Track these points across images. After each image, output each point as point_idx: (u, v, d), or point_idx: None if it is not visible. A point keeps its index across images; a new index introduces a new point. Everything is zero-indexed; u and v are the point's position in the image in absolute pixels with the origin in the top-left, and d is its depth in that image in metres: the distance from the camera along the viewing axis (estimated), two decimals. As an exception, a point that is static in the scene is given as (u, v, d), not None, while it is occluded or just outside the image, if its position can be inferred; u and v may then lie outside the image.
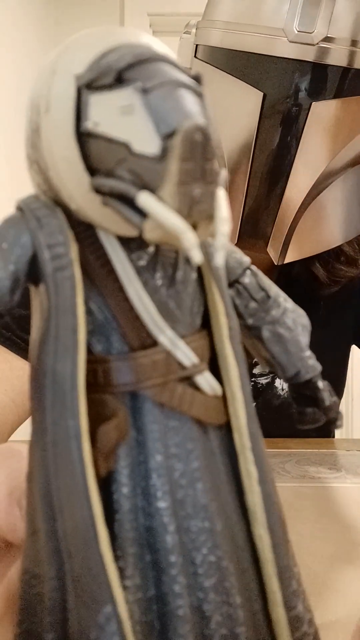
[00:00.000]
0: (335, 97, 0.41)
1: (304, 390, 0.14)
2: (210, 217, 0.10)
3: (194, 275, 0.12)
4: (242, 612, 0.12)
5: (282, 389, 0.60)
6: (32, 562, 0.13)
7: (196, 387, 0.12)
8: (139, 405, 0.12)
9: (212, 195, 0.10)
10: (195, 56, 0.47)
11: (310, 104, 0.40)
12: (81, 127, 0.10)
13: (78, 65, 0.10)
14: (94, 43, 0.10)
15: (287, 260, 0.44)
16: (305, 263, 0.49)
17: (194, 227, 0.10)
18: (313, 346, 0.15)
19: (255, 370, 0.59)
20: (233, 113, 0.43)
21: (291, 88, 0.41)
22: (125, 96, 0.10)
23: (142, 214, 0.10)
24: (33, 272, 0.11)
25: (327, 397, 0.14)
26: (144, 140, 0.10)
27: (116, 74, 0.10)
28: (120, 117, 0.10)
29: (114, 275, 0.11)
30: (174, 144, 0.09)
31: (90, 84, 0.10)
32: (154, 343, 0.11)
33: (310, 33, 0.39)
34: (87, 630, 0.11)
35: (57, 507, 0.11)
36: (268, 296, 0.14)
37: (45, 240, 0.11)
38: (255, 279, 0.14)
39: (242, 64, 0.42)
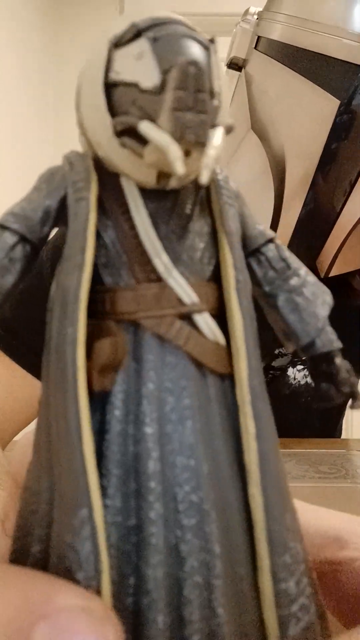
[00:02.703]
0: None
1: (320, 365, 0.14)
2: (202, 144, 0.11)
3: (206, 229, 0.13)
4: (220, 563, 0.12)
5: (294, 378, 0.58)
6: (33, 479, 0.13)
7: (196, 328, 0.13)
8: (139, 337, 0.13)
9: (204, 124, 0.11)
10: (255, 47, 0.43)
11: None
12: (108, 79, 0.12)
13: (114, 32, 0.12)
14: (138, 16, 0.12)
15: (333, 273, 0.43)
16: (344, 275, 0.48)
17: (187, 153, 0.11)
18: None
19: (275, 363, 0.58)
20: (301, 116, 0.40)
21: None
22: (139, 45, 0.12)
23: (145, 142, 0.11)
24: (64, 211, 0.13)
25: (343, 372, 0.14)
26: (149, 77, 0.11)
27: (136, 30, 0.12)
28: (134, 63, 0.12)
29: (129, 215, 0.13)
30: (170, 75, 0.11)
31: (117, 43, 0.12)
32: (159, 279, 0.13)
33: None
34: (62, 535, 0.11)
35: (53, 413, 0.12)
36: (289, 267, 0.14)
37: (71, 178, 0.13)
38: (278, 251, 0.14)
39: (317, 67, 0.38)
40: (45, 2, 1.90)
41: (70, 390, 0.11)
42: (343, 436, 0.78)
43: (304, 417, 0.58)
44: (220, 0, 1.70)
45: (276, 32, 0.42)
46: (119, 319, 0.13)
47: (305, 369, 0.60)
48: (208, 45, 0.12)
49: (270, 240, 0.14)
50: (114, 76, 0.12)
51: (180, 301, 0.13)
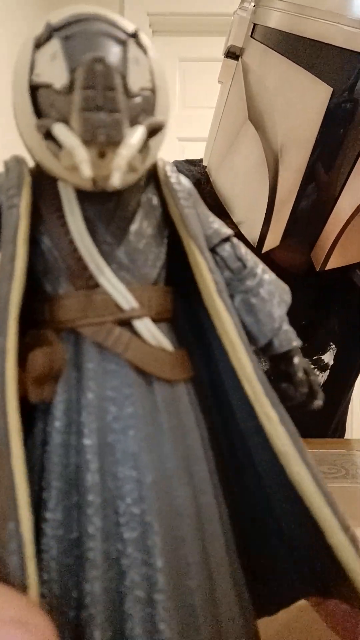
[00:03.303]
0: None
1: (280, 365, 0.14)
2: (116, 144, 0.11)
3: (150, 231, 0.13)
4: (162, 577, 0.12)
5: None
6: None
7: (138, 335, 0.12)
8: (79, 345, 0.12)
9: (117, 123, 0.10)
10: (251, 36, 0.43)
11: None
12: (31, 81, 0.12)
13: (53, 20, 0.12)
14: (55, 15, 0.12)
15: (330, 266, 0.43)
16: (344, 269, 0.47)
17: (102, 155, 0.11)
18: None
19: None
20: (295, 104, 0.40)
21: None
22: (52, 45, 0.11)
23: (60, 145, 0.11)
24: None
25: (300, 372, 0.14)
26: (60, 77, 0.11)
27: (51, 30, 0.11)
28: (49, 63, 0.11)
29: (64, 221, 0.12)
30: (76, 74, 0.11)
31: (37, 44, 0.12)
32: (97, 285, 0.12)
33: None
34: None
35: None
36: (245, 266, 0.14)
37: (5, 184, 0.12)
38: (233, 249, 0.14)
39: (311, 54, 0.38)
40: (43, 2, 1.90)
41: None
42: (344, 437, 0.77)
43: (295, 416, 0.58)
44: (219, 0, 1.70)
45: (273, 19, 0.41)
46: (58, 327, 0.12)
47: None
48: (125, 40, 0.11)
49: (226, 239, 0.14)
50: (35, 78, 0.12)
51: (118, 307, 0.12)
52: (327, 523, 0.13)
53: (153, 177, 0.13)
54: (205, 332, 0.13)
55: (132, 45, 0.11)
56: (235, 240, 0.14)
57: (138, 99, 0.11)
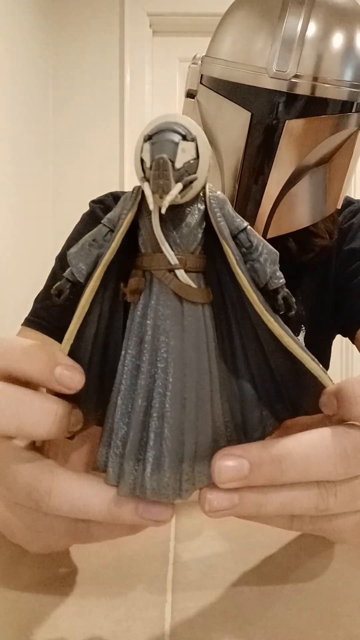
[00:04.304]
0: (302, 116, 0.57)
1: (273, 295, 0.24)
2: (165, 193, 0.21)
3: (193, 224, 0.24)
4: (171, 384, 0.23)
5: None
6: None
7: (176, 276, 0.23)
8: (150, 279, 0.24)
9: (166, 184, 0.21)
10: (200, 82, 0.63)
11: (285, 121, 0.57)
12: (142, 156, 0.23)
13: (147, 130, 0.23)
14: (155, 121, 0.23)
15: (268, 236, 0.61)
16: (282, 240, 0.66)
17: (161, 196, 0.21)
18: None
19: None
20: (229, 126, 0.59)
21: (271, 110, 0.57)
22: (147, 146, 0.22)
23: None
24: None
25: (281, 299, 0.24)
26: (148, 161, 0.22)
27: (147, 137, 0.23)
28: (146, 153, 0.22)
29: (150, 218, 0.23)
30: (153, 163, 0.21)
31: (145, 139, 0.23)
32: (161, 251, 0.23)
33: (285, 72, 0.56)
34: None
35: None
36: (252, 245, 0.24)
37: (121, 204, 0.25)
38: (246, 235, 0.24)
39: (235, 91, 0.58)
40: (44, 2, 1.90)
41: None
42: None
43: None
44: (219, 0, 1.70)
45: (212, 70, 0.61)
46: (143, 269, 0.24)
47: None
48: (178, 142, 0.22)
49: (243, 230, 0.24)
50: (142, 156, 0.23)
51: (169, 262, 0.23)
52: (303, 357, 0.24)
53: (202, 194, 0.24)
54: (224, 279, 0.25)
55: (182, 142, 0.22)
56: (248, 228, 0.24)
57: (182, 169, 0.22)
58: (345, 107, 0.59)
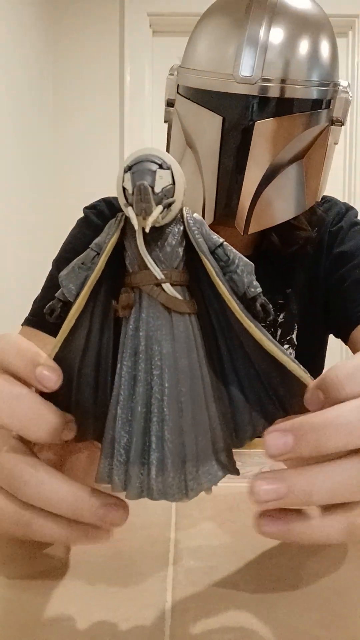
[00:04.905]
0: (272, 117, 0.60)
1: (251, 303, 0.26)
2: (147, 214, 0.23)
3: (174, 243, 0.26)
4: (167, 390, 0.25)
5: None
6: None
7: (163, 290, 0.25)
8: (139, 294, 0.26)
9: (148, 207, 0.23)
10: (177, 92, 0.68)
11: (255, 123, 0.60)
12: (123, 184, 0.25)
13: (127, 161, 0.25)
14: (133, 154, 0.25)
15: (250, 231, 0.64)
16: (265, 235, 0.71)
17: (144, 218, 0.24)
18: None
19: None
20: (204, 131, 0.63)
21: (241, 113, 0.60)
22: (128, 175, 0.25)
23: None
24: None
25: (259, 305, 0.26)
26: (130, 189, 0.24)
27: (127, 167, 0.25)
28: (127, 182, 0.24)
29: (134, 238, 0.25)
30: (135, 189, 0.24)
31: (125, 170, 0.25)
32: (147, 268, 0.25)
33: (250, 76, 0.59)
34: None
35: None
36: (229, 258, 0.26)
37: (106, 231, 0.26)
38: (223, 250, 0.26)
39: (207, 98, 0.63)
40: (44, 2, 1.90)
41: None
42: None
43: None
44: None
45: (187, 80, 0.66)
46: (132, 286, 0.26)
47: None
48: (155, 170, 0.24)
49: (219, 245, 0.26)
50: (124, 184, 0.25)
51: (156, 278, 0.25)
52: (284, 359, 0.25)
53: (180, 216, 0.26)
54: (207, 292, 0.26)
55: (159, 170, 0.24)
56: (225, 244, 0.27)
57: (160, 194, 0.24)
58: (315, 104, 0.62)
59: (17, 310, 0.75)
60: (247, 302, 0.26)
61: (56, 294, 0.26)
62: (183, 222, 0.26)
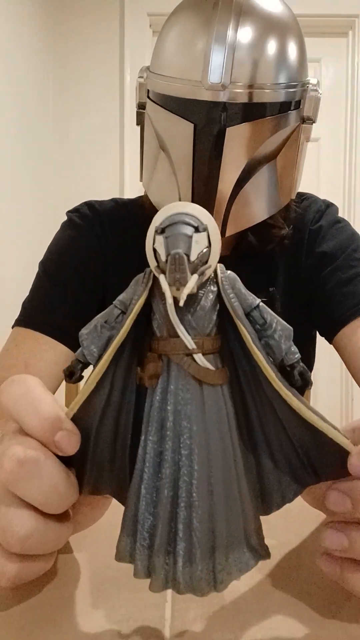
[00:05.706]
0: (243, 122, 0.60)
1: (287, 374, 0.24)
2: (182, 285, 0.21)
3: (207, 307, 0.24)
4: (196, 471, 0.23)
5: None
6: None
7: (194, 360, 0.23)
8: (168, 363, 0.24)
9: (182, 277, 0.21)
10: (147, 96, 0.67)
11: (226, 128, 0.60)
12: (154, 246, 0.23)
13: (158, 221, 0.23)
14: (165, 211, 0.23)
15: (228, 233, 0.64)
16: (242, 235, 0.71)
17: (178, 288, 0.21)
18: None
19: None
20: (176, 136, 0.63)
21: (212, 119, 0.60)
22: (159, 238, 0.22)
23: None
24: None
25: (297, 374, 0.24)
26: (163, 255, 0.22)
27: (160, 229, 0.23)
28: (160, 246, 0.22)
29: (164, 304, 0.23)
30: (169, 257, 0.21)
31: (157, 231, 0.23)
32: (177, 335, 0.23)
33: (218, 83, 0.58)
34: None
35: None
36: (265, 322, 0.24)
37: (132, 287, 0.25)
38: (259, 313, 0.24)
39: (177, 105, 0.62)
40: (44, 2, 1.90)
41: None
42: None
43: None
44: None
45: (155, 86, 0.65)
46: (160, 353, 0.24)
47: None
48: (191, 235, 0.22)
49: (256, 307, 0.24)
50: (155, 246, 0.23)
51: (187, 347, 0.23)
52: (323, 427, 0.24)
53: (214, 276, 0.24)
54: (237, 351, 0.24)
55: (195, 234, 0.22)
56: (261, 305, 0.25)
57: (196, 261, 0.22)
58: (284, 107, 0.62)
59: (17, 310, 0.74)
60: (285, 369, 0.24)
61: (75, 354, 0.25)
62: (217, 283, 0.24)
